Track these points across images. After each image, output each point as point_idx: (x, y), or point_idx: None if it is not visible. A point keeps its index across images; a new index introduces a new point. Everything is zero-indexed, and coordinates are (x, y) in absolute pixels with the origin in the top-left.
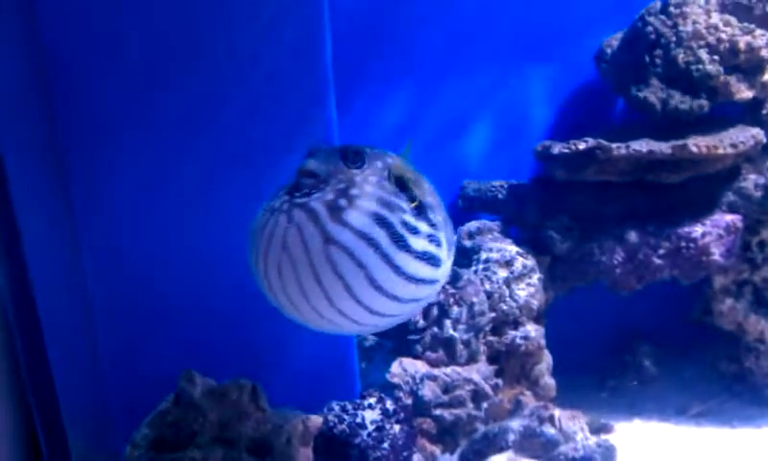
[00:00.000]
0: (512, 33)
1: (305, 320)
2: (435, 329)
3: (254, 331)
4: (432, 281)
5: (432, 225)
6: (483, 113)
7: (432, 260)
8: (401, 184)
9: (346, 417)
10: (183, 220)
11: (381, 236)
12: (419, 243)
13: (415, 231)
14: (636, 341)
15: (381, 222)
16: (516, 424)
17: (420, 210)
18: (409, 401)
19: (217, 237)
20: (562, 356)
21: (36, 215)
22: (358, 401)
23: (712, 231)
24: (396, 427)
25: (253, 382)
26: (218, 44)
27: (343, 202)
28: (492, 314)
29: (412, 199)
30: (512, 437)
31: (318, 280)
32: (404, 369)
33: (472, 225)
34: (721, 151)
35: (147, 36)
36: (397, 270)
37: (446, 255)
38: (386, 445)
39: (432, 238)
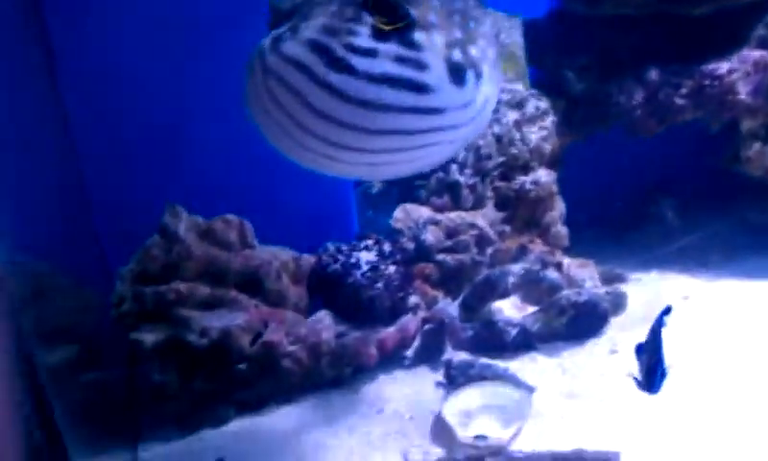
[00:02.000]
0: None
1: (288, 154)
2: (440, 174)
3: (248, 168)
4: (421, 111)
5: (412, 46)
6: None
7: (403, 84)
8: (387, 5)
9: (340, 257)
10: (168, 55)
11: (314, 62)
12: (374, 64)
13: (368, 53)
14: (658, 191)
15: (316, 47)
16: (517, 267)
17: (400, 31)
18: (411, 246)
19: (205, 67)
20: (578, 207)
21: None
22: (354, 243)
23: (739, 68)
24: (392, 268)
25: (240, 218)
26: None
27: (286, 34)
28: (501, 158)
29: (397, 19)
30: (511, 280)
31: (267, 113)
32: (408, 214)
33: None
34: None
35: None
36: (341, 95)
37: (440, 80)
38: (380, 285)
39: (404, 60)
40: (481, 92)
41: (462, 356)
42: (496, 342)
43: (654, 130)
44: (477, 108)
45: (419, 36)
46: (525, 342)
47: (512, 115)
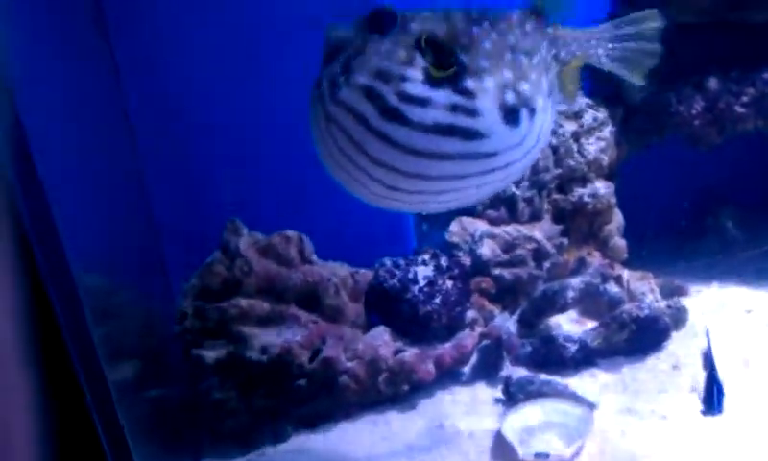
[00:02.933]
0: None
1: (351, 192)
2: None
3: (304, 186)
4: (474, 156)
5: (464, 93)
6: None
7: (455, 132)
8: (439, 49)
9: (397, 272)
10: (231, 71)
11: (369, 111)
12: (427, 114)
13: (421, 102)
14: (717, 202)
15: (371, 95)
16: (576, 281)
17: (452, 78)
18: (468, 261)
19: (265, 90)
20: (636, 218)
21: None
22: (411, 258)
23: None
24: (449, 283)
25: (300, 234)
26: None
27: (341, 78)
28: (558, 170)
29: (448, 64)
30: (571, 294)
31: (332, 156)
32: (463, 228)
33: None
34: None
35: None
36: (396, 145)
37: (492, 125)
38: (437, 300)
39: (456, 107)
40: (535, 126)
41: (520, 372)
42: (555, 358)
43: (714, 140)
44: (532, 142)
45: (470, 82)
46: (585, 358)
47: (569, 126)
